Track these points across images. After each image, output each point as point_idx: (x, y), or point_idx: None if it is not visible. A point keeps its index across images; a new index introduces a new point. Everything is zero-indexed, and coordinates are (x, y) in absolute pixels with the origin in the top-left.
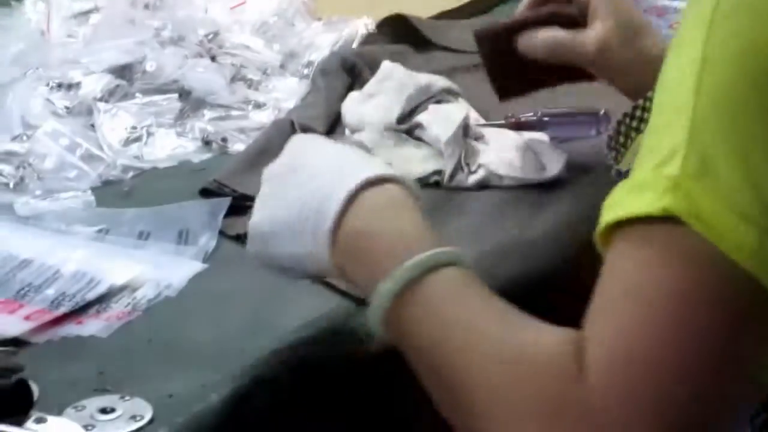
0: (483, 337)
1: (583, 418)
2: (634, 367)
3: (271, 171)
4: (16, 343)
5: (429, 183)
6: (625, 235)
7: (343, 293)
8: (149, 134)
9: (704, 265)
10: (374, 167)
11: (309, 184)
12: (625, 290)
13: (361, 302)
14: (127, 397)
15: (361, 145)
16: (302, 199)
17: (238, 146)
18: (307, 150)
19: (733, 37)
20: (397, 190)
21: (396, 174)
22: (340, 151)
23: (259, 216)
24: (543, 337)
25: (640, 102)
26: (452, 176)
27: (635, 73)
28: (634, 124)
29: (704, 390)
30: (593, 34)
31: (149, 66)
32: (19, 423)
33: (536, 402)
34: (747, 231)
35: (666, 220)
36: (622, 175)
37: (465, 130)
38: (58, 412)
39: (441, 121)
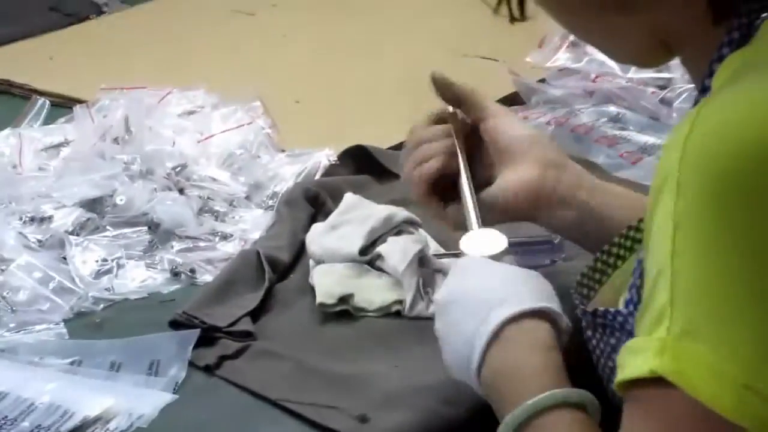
0: None
1: None
2: None
3: (438, 300)
4: None
5: (391, 312)
6: (629, 393)
7: (319, 425)
8: (119, 266)
9: (695, 424)
10: (517, 302)
11: (463, 323)
12: None
13: (317, 427)
14: None
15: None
16: (460, 333)
17: (205, 277)
18: (465, 281)
19: (698, 202)
20: (533, 327)
21: (538, 305)
22: (490, 283)
23: (441, 345)
24: None
25: (616, 239)
26: (412, 306)
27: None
28: (611, 260)
29: None
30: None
31: (119, 200)
32: None
33: None
34: (727, 387)
35: (655, 381)
36: (595, 315)
37: (422, 261)
38: None
39: (399, 252)
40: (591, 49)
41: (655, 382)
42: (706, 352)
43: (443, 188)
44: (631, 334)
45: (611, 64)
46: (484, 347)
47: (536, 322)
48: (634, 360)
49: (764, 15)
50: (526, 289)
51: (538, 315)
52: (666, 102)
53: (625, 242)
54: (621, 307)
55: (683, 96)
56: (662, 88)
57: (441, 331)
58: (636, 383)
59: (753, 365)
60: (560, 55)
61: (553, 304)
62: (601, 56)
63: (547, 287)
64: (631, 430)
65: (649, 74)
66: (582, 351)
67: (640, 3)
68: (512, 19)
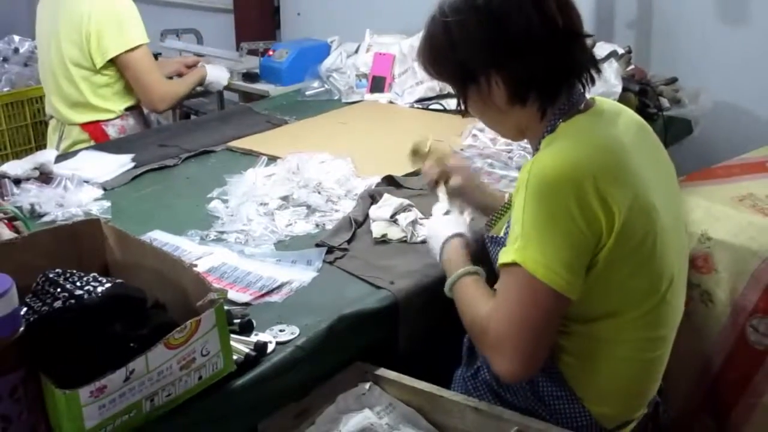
0: (471, 310)
1: (489, 339)
2: (501, 322)
3: (428, 226)
4: (246, 304)
5: (402, 240)
6: (503, 270)
7: (372, 284)
8: (296, 222)
9: (528, 284)
10: (455, 229)
11: (435, 236)
12: (501, 291)
13: (377, 287)
14: (289, 325)
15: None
16: (435, 242)
17: (329, 227)
18: (436, 222)
19: (532, 194)
20: (460, 240)
21: (463, 231)
22: (445, 222)
23: (429, 244)
24: (484, 310)
25: (500, 208)
26: (411, 239)
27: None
28: (501, 212)
29: (527, 330)
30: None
31: (295, 196)
32: (248, 336)
33: (480, 334)
34: (541, 268)
35: (514, 264)
36: (492, 238)
37: (414, 222)
38: (263, 331)
39: (404, 218)
40: (483, 137)
41: (514, 265)
42: (533, 253)
43: (436, 183)
44: (505, 246)
45: (489, 143)
46: (440, 248)
47: (458, 238)
48: (504, 255)
49: (561, 120)
50: (454, 225)
51: (458, 236)
52: (510, 158)
53: (503, 209)
54: (501, 234)
55: (517, 155)
56: (509, 152)
57: (429, 243)
58: (506, 266)
59: (550, 258)
60: (468, 139)
61: (466, 231)
62: (486, 140)
63: (464, 224)
64: (502, 287)
65: (503, 147)
66: (486, 254)
67: (512, 111)
68: (464, 115)
